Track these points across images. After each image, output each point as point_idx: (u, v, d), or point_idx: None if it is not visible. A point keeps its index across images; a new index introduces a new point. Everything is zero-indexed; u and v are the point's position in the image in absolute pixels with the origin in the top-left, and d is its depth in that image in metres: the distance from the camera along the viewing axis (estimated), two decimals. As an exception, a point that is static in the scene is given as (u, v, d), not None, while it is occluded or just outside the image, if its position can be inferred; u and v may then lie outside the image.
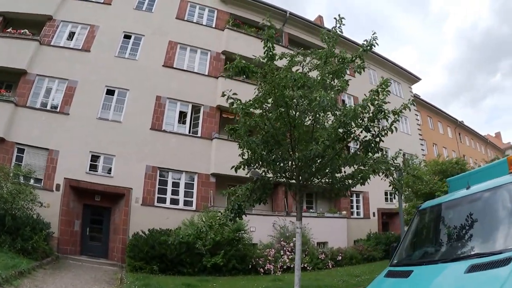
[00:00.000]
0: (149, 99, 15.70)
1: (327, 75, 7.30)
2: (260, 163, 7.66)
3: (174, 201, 14.74)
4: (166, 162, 15.07)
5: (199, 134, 16.44)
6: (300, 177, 7.64)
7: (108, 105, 14.78)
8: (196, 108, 16.96)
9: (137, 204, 13.73)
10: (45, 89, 13.96)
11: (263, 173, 7.92)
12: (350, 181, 7.71)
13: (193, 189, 15.32)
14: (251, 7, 20.30)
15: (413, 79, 28.15)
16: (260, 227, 14.28)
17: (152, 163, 14.70)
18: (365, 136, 7.10)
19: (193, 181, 15.49)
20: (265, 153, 7.48)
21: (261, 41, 7.07)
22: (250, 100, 7.19)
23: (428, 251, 4.34)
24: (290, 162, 7.68)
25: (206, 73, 17.78)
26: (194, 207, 14.81)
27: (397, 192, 8.28)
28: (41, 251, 10.57)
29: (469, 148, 35.76)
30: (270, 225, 14.72)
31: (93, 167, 13.52)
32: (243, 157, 8.03)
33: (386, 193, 21.62)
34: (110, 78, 15.01)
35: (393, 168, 7.30)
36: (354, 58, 7.42)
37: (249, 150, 7.39)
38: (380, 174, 7.29)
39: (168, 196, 14.70)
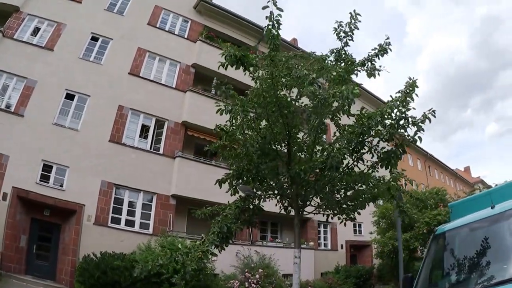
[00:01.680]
0: (111, 108, 15.96)
1: (341, 72, 7.08)
2: (252, 176, 7.48)
3: (130, 223, 14.90)
4: (123, 179, 15.27)
5: (161, 151, 16.86)
6: (299, 196, 7.53)
7: (66, 110, 14.86)
8: (160, 123, 17.42)
9: (89, 223, 13.77)
10: (2, 86, 13.82)
11: (255, 190, 7.82)
12: (354, 203, 7.56)
13: (151, 210, 15.57)
14: (227, 21, 21.43)
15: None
16: (221, 256, 14.66)
17: (108, 179, 14.85)
18: (383, 148, 6.96)
19: (152, 202, 15.77)
20: (261, 162, 7.24)
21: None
22: (244, 98, 7.16)
23: (460, 278, 4.36)
24: (287, 178, 7.46)
25: (174, 86, 18.39)
26: (151, 231, 15.05)
27: (403, 217, 8.20)
28: (-19, 268, 10.41)
29: (438, 182, 38.29)
30: (233, 255, 15.29)
31: (45, 178, 13.42)
32: (232, 167, 7.92)
33: (354, 225, 23.09)
34: (71, 82, 15.15)
35: (398, 191, 7.26)
36: (365, 62, 7.39)
37: (245, 157, 7.12)
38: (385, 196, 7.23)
39: (124, 216, 14.84)
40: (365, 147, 6.92)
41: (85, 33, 16.24)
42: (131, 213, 15.12)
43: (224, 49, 6.64)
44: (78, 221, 13.42)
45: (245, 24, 21.71)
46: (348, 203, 7.72)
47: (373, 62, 7.40)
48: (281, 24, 6.66)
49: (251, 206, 8.17)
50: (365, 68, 7.44)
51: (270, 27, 6.64)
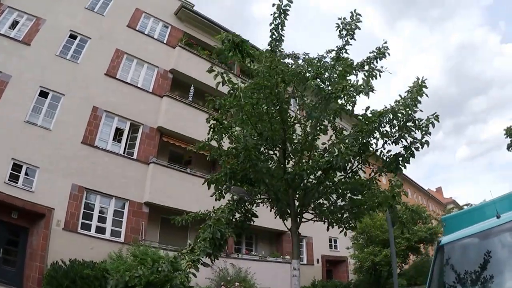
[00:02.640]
0: (85, 109, 15.60)
1: (347, 68, 6.81)
2: (246, 176, 7.08)
3: (100, 230, 14.46)
4: (95, 183, 14.87)
5: (134, 156, 16.59)
6: (298, 201, 7.24)
7: (39, 108, 14.36)
8: (134, 127, 17.19)
9: (58, 228, 13.25)
10: (-25, 79, 13.18)
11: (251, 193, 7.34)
12: (356, 210, 7.25)
13: (122, 218, 15.20)
14: (207, 29, 21.60)
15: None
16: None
17: (79, 182, 14.41)
18: (389, 151, 6.77)
19: (124, 208, 15.42)
20: (261, 160, 6.82)
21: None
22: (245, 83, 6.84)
23: None
24: (283, 181, 7.13)
25: (151, 90, 18.28)
26: (122, 239, 14.68)
27: (402, 229, 8.04)
28: None
29: (412, 201, 39.54)
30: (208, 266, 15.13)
31: (14, 178, 12.83)
32: (224, 166, 7.39)
33: (330, 240, 23.46)
34: (46, 79, 14.71)
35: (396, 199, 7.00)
36: (364, 64, 7.14)
37: (243, 152, 6.57)
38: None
39: (94, 222, 14.39)
40: (370, 150, 6.73)
41: (63, 30, 15.89)
42: (102, 219, 14.70)
43: (221, 34, 6.44)
44: (46, 226, 12.89)
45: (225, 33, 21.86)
46: (350, 210, 7.38)
47: (371, 65, 7.21)
48: (288, 15, 6.55)
49: (243, 211, 7.72)
50: (365, 70, 7.22)
51: (276, 15, 6.54)
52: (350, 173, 7.06)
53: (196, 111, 19.23)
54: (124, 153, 16.49)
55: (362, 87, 6.28)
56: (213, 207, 7.87)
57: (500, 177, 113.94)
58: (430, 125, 6.47)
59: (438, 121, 6.43)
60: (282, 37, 6.75)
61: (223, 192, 7.90)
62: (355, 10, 7.05)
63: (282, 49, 6.98)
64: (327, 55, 7.36)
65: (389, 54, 7.07)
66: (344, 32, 7.10)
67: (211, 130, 7.04)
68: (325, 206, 7.59)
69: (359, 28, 7.04)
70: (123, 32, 18.11)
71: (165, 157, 18.05)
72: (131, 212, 15.42)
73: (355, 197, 7.33)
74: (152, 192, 16.11)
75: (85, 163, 14.87)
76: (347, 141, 6.35)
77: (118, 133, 16.68)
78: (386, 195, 6.93)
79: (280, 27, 6.70)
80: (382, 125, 6.34)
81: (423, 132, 6.49)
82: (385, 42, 7.13)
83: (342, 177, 7.09)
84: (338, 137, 7.40)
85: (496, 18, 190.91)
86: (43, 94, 14.66)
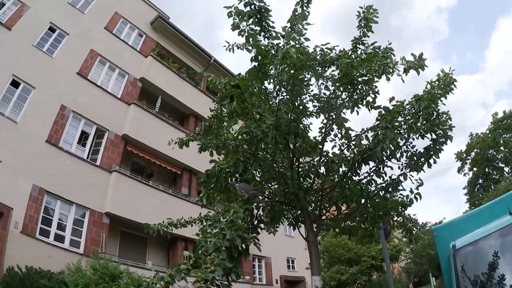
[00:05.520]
0: (53, 106, 14.68)
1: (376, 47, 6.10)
2: (262, 167, 6.15)
3: (59, 238, 13.34)
4: (56, 187, 13.81)
5: (98, 163, 15.78)
6: (310, 205, 6.51)
7: (9, 98, 13.27)
8: (100, 132, 16.46)
9: (16, 230, 12.04)
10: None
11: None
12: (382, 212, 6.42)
13: (82, 227, 14.21)
14: (179, 43, 21.74)
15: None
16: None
17: (40, 184, 13.30)
18: (414, 146, 6.18)
19: (84, 217, 14.43)
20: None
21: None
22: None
23: None
24: (293, 181, 6.18)
25: (119, 96, 17.75)
26: (82, 250, 13.64)
27: (409, 237, 7.29)
28: None
29: None
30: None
31: (-25, 171, 11.64)
32: (232, 154, 6.09)
33: (288, 260, 23.74)
34: (20, 68, 13.70)
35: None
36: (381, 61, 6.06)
37: (272, 131, 5.40)
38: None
39: (53, 229, 13.27)
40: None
41: (44, 21, 15.06)
42: (61, 227, 13.61)
43: None
44: (4, 226, 11.66)
45: (196, 49, 22.16)
46: (374, 213, 6.52)
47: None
48: None
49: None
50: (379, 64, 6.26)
51: None
52: (377, 168, 6.26)
53: (162, 123, 18.97)
54: (87, 158, 15.61)
55: (411, 62, 5.56)
56: (200, 213, 6.83)
57: (444, 201, 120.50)
58: (449, 120, 6.02)
59: (450, 119, 6.05)
60: (307, 13, 5.96)
61: (210, 196, 6.51)
62: (371, 6, 6.48)
63: (308, 23, 5.91)
64: (332, 51, 6.58)
65: (394, 55, 6.29)
66: (362, 23, 6.40)
67: (228, 99, 5.44)
68: (353, 209, 6.71)
69: (377, 22, 6.42)
70: (100, 33, 17.54)
71: (127, 167, 17.35)
72: (92, 222, 14.45)
73: (387, 197, 6.43)
74: (113, 202, 15.32)
75: (48, 163, 13.84)
76: (380, 133, 5.66)
77: (83, 136, 15.82)
78: (409, 196, 6.43)
79: (305, 2, 5.98)
80: (419, 113, 5.77)
81: (446, 127, 5.97)
82: (390, 43, 6.42)
83: (366, 173, 6.36)
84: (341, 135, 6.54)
85: (449, 52, 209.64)
86: (15, 83, 13.61)
